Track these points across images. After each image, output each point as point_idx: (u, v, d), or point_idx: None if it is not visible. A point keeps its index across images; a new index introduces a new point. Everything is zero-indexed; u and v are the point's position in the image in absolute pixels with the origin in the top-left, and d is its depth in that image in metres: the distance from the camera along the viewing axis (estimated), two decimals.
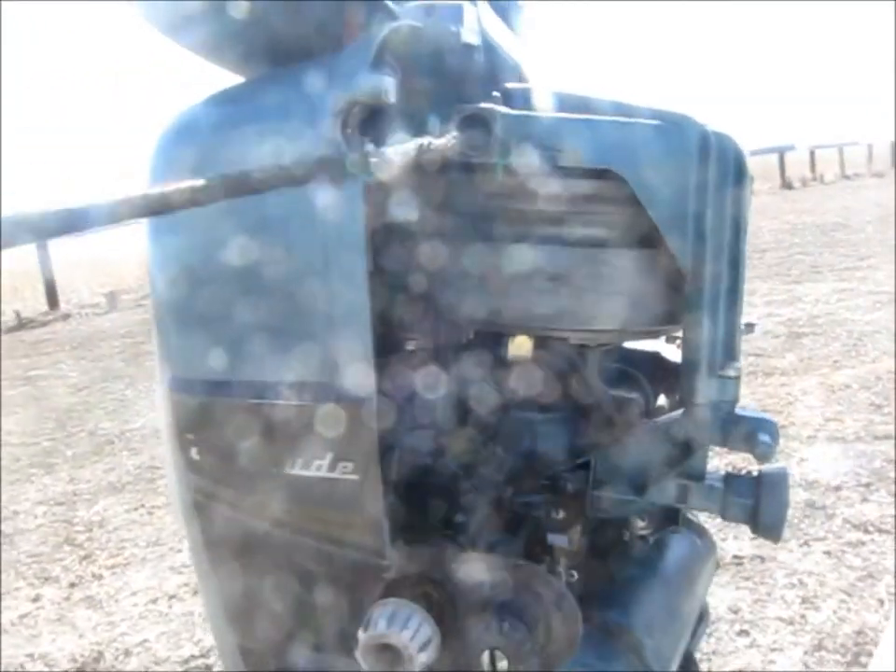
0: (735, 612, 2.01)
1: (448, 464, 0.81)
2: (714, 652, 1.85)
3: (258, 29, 0.75)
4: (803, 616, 1.96)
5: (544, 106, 0.76)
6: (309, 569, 0.77)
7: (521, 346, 0.79)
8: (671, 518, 0.93)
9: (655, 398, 0.94)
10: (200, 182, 0.48)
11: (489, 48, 0.81)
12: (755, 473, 0.82)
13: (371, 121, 0.68)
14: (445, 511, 0.80)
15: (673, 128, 0.74)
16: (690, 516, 0.98)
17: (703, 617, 1.04)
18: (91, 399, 5.01)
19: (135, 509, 3.12)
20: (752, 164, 0.79)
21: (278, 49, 0.78)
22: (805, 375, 3.74)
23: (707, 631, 1.91)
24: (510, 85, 0.79)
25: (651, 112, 0.75)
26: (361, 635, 0.71)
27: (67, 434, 4.28)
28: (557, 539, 0.80)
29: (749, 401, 3.46)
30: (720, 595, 2.07)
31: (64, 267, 9.66)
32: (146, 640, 2.20)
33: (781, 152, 16.06)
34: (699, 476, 0.81)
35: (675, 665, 0.85)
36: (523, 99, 0.77)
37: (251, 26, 0.74)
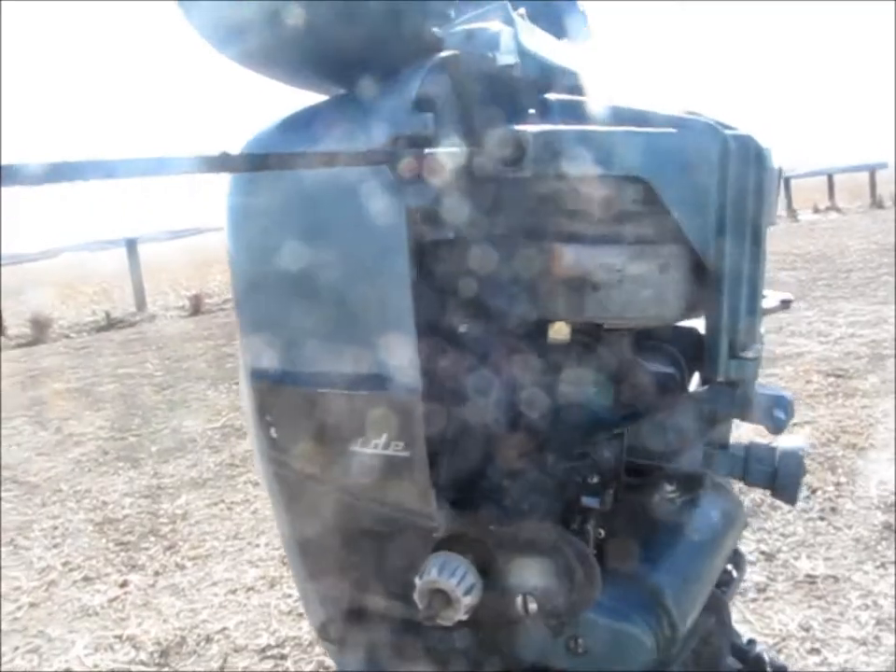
0: (807, 630, 1.99)
1: (492, 439, 0.89)
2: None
3: (310, 37, 0.80)
4: (877, 637, 1.93)
5: (580, 117, 0.83)
6: (372, 528, 0.89)
7: (559, 331, 0.88)
8: (698, 483, 1.01)
9: (690, 372, 1.00)
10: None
11: (531, 63, 0.87)
12: (774, 444, 0.91)
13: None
14: (491, 478, 0.88)
15: (693, 136, 0.79)
16: (719, 481, 1.06)
17: (739, 566, 1.14)
18: (174, 397, 5.20)
19: (216, 504, 3.24)
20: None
21: (331, 58, 0.84)
22: (888, 397, 3.66)
23: (777, 647, 1.91)
24: (549, 97, 0.86)
25: (674, 120, 0.80)
26: (417, 581, 0.82)
27: (152, 430, 4.46)
28: (589, 501, 0.88)
29: (828, 421, 3.41)
30: (790, 612, 2.06)
31: (152, 270, 10.04)
32: (225, 628, 2.30)
33: (872, 170, 15.58)
34: (723, 445, 0.91)
35: (696, 611, 0.93)
36: (561, 110, 0.85)
37: (304, 35, 0.78)
